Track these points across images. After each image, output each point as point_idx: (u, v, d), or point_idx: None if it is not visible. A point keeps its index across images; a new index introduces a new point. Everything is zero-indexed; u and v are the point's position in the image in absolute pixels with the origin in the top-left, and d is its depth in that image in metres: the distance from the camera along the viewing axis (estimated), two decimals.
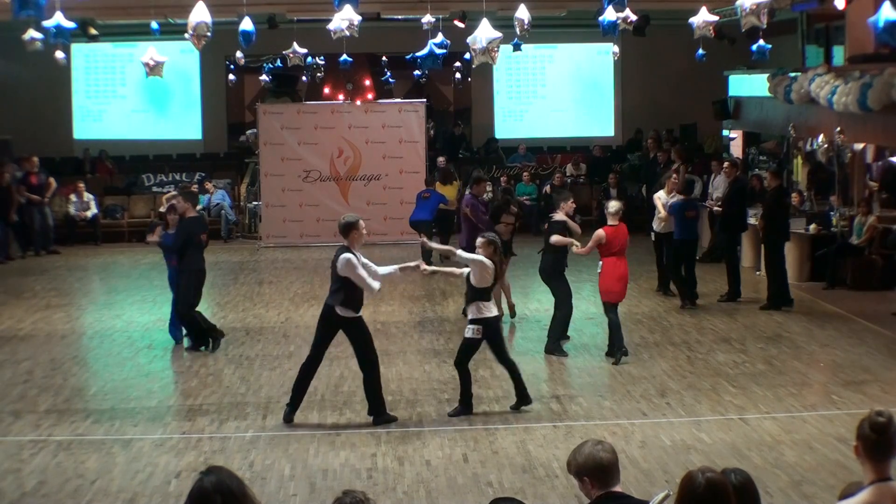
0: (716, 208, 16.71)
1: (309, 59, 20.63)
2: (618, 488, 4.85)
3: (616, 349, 12.15)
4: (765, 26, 10.43)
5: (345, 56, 20.63)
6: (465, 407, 10.22)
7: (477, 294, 10.09)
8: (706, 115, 22.52)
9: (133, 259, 20.21)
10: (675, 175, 15.72)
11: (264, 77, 26.11)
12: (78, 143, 25.56)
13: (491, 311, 10.16)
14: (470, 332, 10.14)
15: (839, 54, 19.75)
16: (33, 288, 17.34)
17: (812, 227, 16.72)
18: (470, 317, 10.23)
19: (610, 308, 12.22)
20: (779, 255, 14.92)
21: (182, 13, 12.66)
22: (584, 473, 4.81)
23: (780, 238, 14.97)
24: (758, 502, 4.85)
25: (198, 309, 12.95)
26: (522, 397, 10.35)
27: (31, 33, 14.90)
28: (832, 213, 16.88)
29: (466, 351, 10.24)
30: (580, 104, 26.70)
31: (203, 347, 12.86)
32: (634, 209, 22.47)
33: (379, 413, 10.00)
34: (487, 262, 10.06)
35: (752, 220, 17.23)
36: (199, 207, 22.01)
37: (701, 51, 18.82)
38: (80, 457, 9.18)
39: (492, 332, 10.21)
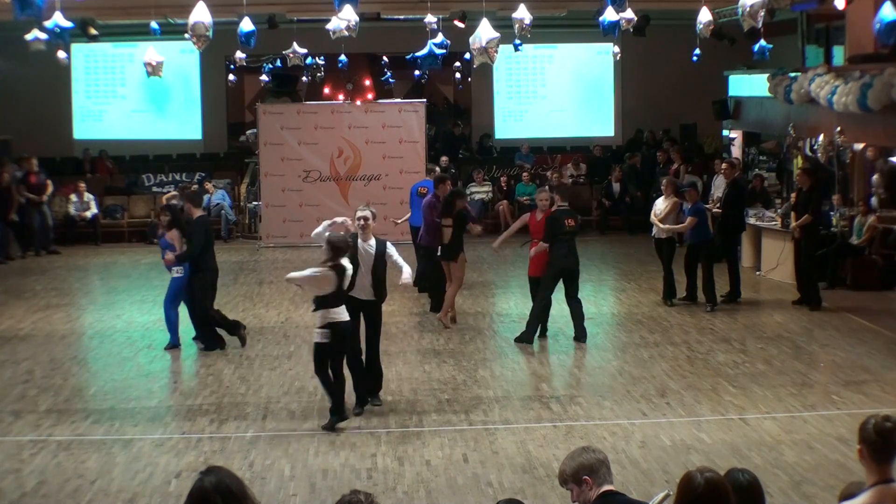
0: (715, 210, 16.71)
1: (309, 59, 20.64)
2: (611, 487, 4.89)
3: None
4: (759, 25, 10.43)
5: (343, 56, 20.68)
6: (337, 415, 9.90)
7: (321, 302, 9.76)
8: (706, 115, 22.52)
9: (133, 259, 20.21)
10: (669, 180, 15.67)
11: (264, 77, 26.12)
12: (78, 143, 25.56)
13: (340, 316, 9.76)
14: (318, 336, 9.81)
15: (839, 54, 19.74)
16: (33, 288, 17.33)
17: None
18: (318, 323, 9.83)
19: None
20: (816, 256, 15.04)
21: (182, 13, 12.67)
22: (583, 473, 4.84)
23: (818, 239, 15.08)
24: (763, 503, 4.86)
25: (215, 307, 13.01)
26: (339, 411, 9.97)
27: (36, 33, 14.89)
28: (832, 213, 16.87)
29: (316, 356, 9.87)
30: (580, 104, 26.69)
31: (219, 348, 12.83)
32: (635, 210, 22.55)
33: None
34: (319, 272, 9.69)
35: (751, 220, 17.26)
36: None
37: (697, 51, 18.84)
38: (80, 457, 9.18)
39: (339, 337, 9.80)
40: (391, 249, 10.45)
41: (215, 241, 21.51)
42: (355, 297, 10.17)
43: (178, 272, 12.58)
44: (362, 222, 10.32)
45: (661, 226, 15.00)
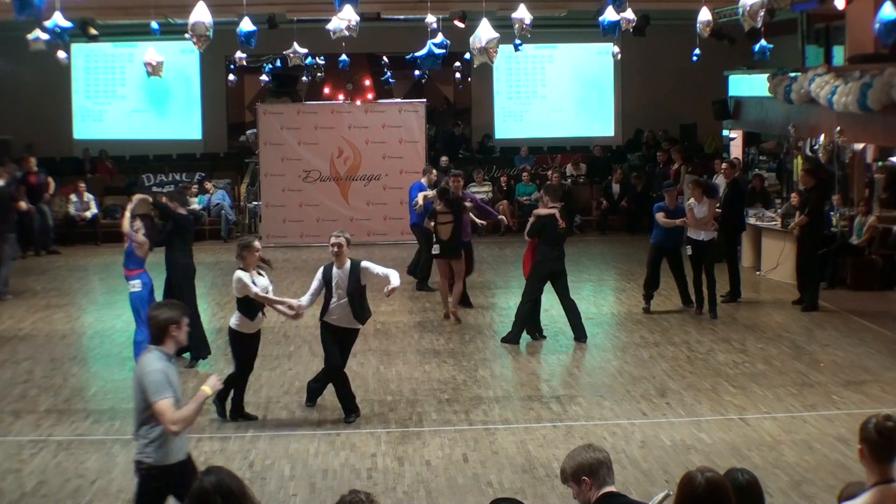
0: (715, 210, 16.68)
1: (309, 59, 20.63)
2: (612, 488, 4.88)
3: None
4: (759, 25, 10.43)
5: (343, 56, 20.66)
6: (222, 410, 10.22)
7: (237, 304, 10.07)
8: (706, 115, 22.53)
9: None
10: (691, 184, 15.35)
11: (264, 77, 26.12)
12: (78, 143, 25.56)
13: (240, 322, 9.99)
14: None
15: (839, 54, 19.75)
16: (33, 288, 17.33)
17: None
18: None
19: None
20: (815, 257, 14.94)
21: (182, 13, 12.67)
22: (582, 474, 4.84)
23: (818, 239, 14.98)
24: (762, 503, 4.86)
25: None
26: (234, 411, 10.24)
27: (38, 33, 14.87)
28: (832, 213, 16.87)
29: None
30: (580, 104, 26.69)
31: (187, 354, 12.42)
32: (633, 210, 22.57)
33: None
34: (239, 276, 9.93)
35: (751, 220, 17.25)
36: (199, 207, 22.19)
37: (697, 51, 18.83)
38: (80, 457, 9.19)
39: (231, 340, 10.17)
40: (367, 265, 10.07)
41: (215, 241, 21.80)
42: (338, 325, 10.11)
43: (135, 287, 11.87)
44: (336, 249, 10.01)
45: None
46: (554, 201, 13.03)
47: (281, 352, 12.86)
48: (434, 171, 17.23)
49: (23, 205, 17.36)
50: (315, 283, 10.19)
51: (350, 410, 10.18)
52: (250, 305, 9.98)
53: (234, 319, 10.10)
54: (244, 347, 10.15)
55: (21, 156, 22.07)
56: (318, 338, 13.28)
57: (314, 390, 10.59)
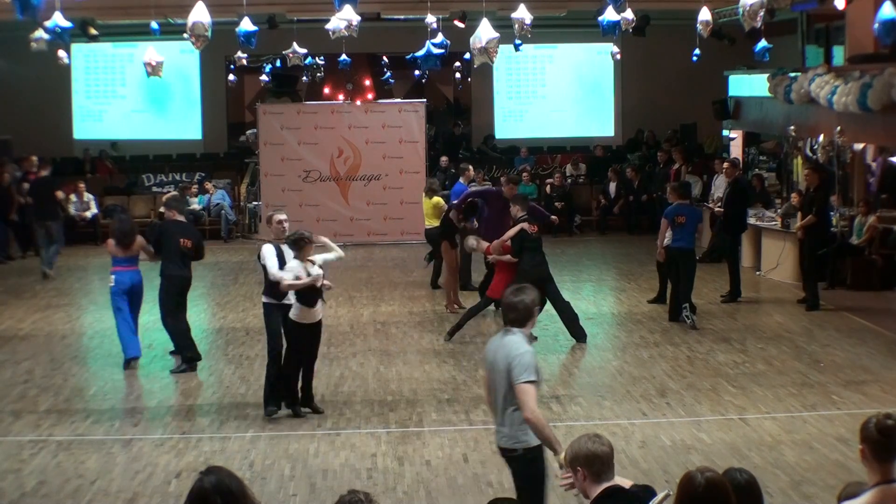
0: (716, 209, 16.68)
1: (309, 59, 20.65)
2: (611, 483, 4.87)
3: None
4: (759, 25, 10.44)
5: (344, 56, 20.69)
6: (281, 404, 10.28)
7: (295, 295, 10.08)
8: (706, 115, 22.53)
9: None
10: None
11: (264, 77, 26.14)
12: (78, 143, 25.56)
13: (299, 312, 9.98)
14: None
15: (839, 54, 19.74)
16: (33, 288, 17.33)
17: None
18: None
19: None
20: (818, 256, 14.90)
21: (182, 13, 12.66)
22: (576, 463, 4.85)
23: (823, 238, 14.96)
24: (761, 502, 4.86)
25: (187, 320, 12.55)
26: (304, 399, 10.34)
27: (40, 33, 14.85)
28: (832, 213, 16.85)
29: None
30: (580, 104, 26.70)
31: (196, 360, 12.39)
32: (633, 210, 22.57)
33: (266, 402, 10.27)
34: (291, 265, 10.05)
35: (751, 220, 17.24)
36: (199, 207, 22.18)
37: (697, 51, 18.84)
38: (80, 457, 9.18)
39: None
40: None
41: (215, 242, 21.77)
42: (285, 303, 10.14)
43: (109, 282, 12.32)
44: (285, 226, 10.47)
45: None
46: (523, 210, 13.02)
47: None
48: (470, 168, 17.18)
49: (61, 194, 17.69)
50: (276, 262, 10.23)
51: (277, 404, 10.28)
52: (308, 293, 9.90)
53: (293, 310, 10.00)
54: (301, 338, 10.02)
55: (21, 155, 22.08)
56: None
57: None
